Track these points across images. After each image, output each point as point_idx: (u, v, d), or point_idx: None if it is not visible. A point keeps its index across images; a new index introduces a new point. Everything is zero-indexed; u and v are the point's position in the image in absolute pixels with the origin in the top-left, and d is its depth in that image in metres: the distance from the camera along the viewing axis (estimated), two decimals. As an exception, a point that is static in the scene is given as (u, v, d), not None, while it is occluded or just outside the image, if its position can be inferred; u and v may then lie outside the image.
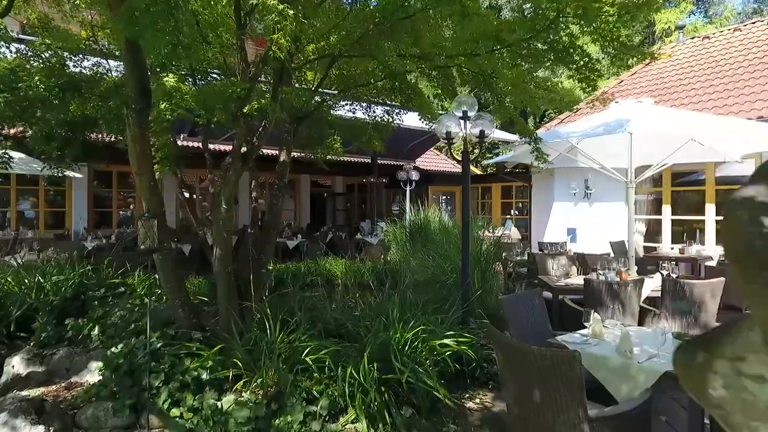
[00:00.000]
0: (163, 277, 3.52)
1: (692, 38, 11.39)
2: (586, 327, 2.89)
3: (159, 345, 3.15)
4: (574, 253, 6.54)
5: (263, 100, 2.97)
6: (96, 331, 3.64)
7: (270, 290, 8.72)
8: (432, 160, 19.06)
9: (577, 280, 4.78)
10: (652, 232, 9.40)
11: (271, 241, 4.07)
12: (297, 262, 9.87)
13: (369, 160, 15.66)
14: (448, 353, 3.37)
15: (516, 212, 15.07)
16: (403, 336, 3.42)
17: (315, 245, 10.71)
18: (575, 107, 10.87)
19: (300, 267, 9.66)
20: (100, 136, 10.66)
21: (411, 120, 11.37)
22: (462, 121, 4.27)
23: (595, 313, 2.84)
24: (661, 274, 4.69)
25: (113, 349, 3.10)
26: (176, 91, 3.34)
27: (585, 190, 9.60)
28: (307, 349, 3.17)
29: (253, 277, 3.85)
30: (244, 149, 3.79)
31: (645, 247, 8.97)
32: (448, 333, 3.54)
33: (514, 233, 12.92)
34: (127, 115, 3.22)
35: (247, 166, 3.50)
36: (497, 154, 33.02)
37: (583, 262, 5.71)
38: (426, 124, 5.87)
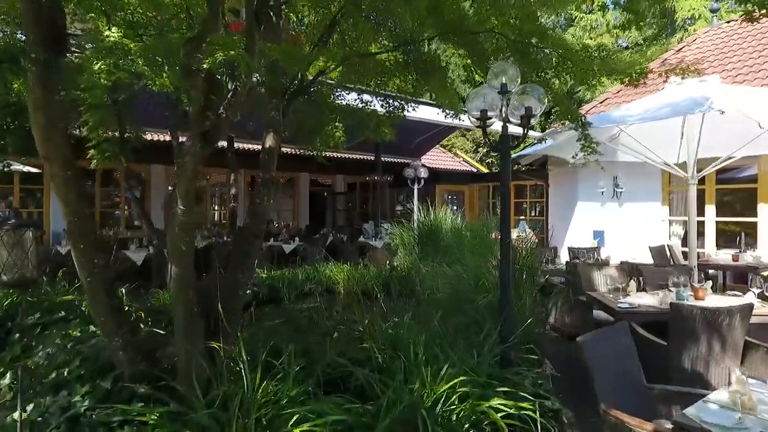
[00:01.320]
0: (93, 308, 2.53)
1: (728, 22, 10.38)
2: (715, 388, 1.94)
3: (84, 407, 2.18)
4: (621, 262, 5.54)
5: (232, 51, 2.00)
6: (7, 379, 2.67)
7: (259, 302, 7.74)
8: (438, 158, 18.07)
9: (643, 299, 3.80)
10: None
11: (252, 253, 3.08)
12: (294, 267, 8.89)
13: (372, 157, 14.68)
14: (500, 415, 2.37)
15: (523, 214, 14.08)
16: (434, 391, 2.45)
17: (314, 249, 9.72)
18: (613, 89, 9.86)
19: (297, 274, 8.67)
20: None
21: (419, 112, 10.37)
22: (501, 97, 3.28)
23: (738, 371, 1.87)
24: (753, 292, 3.72)
25: (13, 416, 2.14)
26: (119, 49, 2.37)
27: (614, 188, 8.61)
28: (297, 416, 2.19)
29: (225, 304, 2.87)
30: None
31: (684, 253, 7.96)
32: (498, 387, 2.55)
33: (529, 235, 11.93)
34: (27, 69, 2.25)
35: (210, 150, 2.51)
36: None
37: (633, 273, 4.73)
38: (445, 116, 4.89)
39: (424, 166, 11.57)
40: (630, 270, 4.87)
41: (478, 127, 3.58)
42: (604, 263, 5.49)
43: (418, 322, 4.51)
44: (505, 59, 3.72)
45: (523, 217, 13.02)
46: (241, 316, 3.27)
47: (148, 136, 11.85)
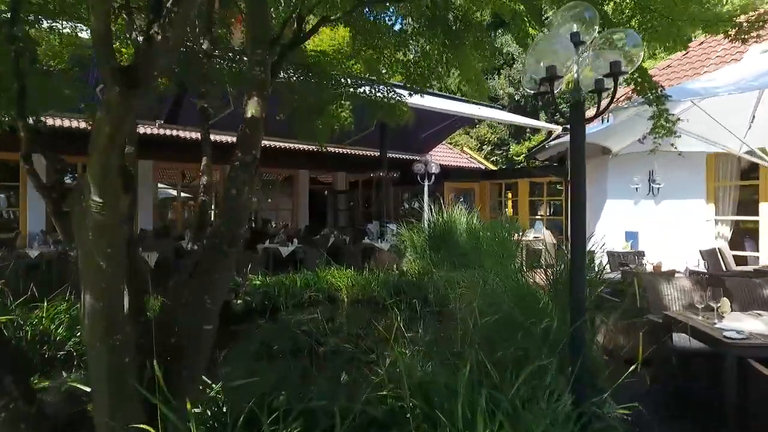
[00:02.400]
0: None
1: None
2: None
3: None
4: (690, 272, 4.62)
5: None
6: None
7: (252, 313, 6.83)
8: (444, 155, 17.15)
9: (746, 322, 2.90)
10: (737, 237, 7.49)
11: (223, 268, 2.13)
12: (292, 273, 7.98)
13: (375, 153, 13.77)
14: None
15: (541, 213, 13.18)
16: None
17: (314, 252, 8.80)
18: (660, 65, 8.91)
19: (295, 280, 7.76)
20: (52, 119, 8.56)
21: (429, 101, 9.43)
22: (574, 49, 2.37)
23: None
24: None
25: None
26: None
27: (650, 183, 7.70)
28: None
29: (184, 342, 1.96)
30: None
31: (734, 258, 7.05)
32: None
33: (547, 236, 11.04)
34: None
35: (140, 98, 1.58)
36: (508, 150, 31.16)
37: (713, 285, 3.81)
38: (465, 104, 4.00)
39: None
40: (709, 281, 3.97)
41: (538, 94, 2.66)
42: (669, 273, 4.58)
43: (447, 348, 3.61)
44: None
45: (539, 217, 12.11)
46: (210, 356, 2.34)
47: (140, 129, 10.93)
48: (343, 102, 4.05)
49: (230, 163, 2.23)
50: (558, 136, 8.33)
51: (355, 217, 16.11)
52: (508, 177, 13.06)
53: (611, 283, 4.62)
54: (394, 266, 9.16)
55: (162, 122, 10.24)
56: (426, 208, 9.02)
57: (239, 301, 6.48)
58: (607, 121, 5.99)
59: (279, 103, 4.68)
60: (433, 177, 9.33)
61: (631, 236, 7.80)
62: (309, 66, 3.68)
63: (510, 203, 13.21)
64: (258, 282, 7.05)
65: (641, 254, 6.40)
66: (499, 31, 31.63)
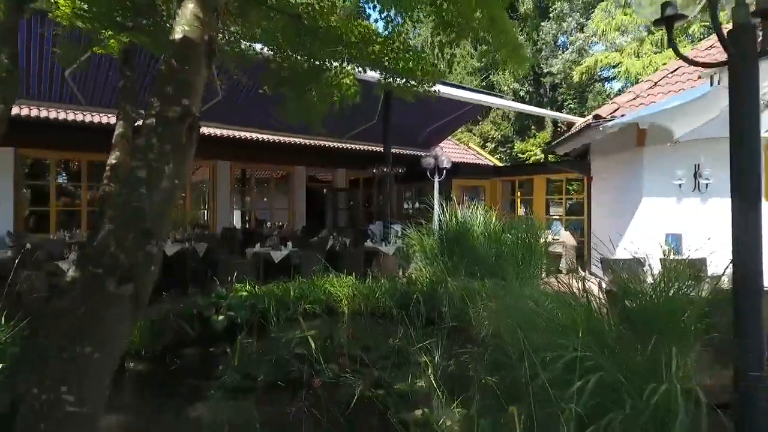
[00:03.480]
0: None
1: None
2: None
3: None
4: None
5: None
6: None
7: (235, 330, 5.82)
8: (450, 151, 16.14)
9: None
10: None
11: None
12: (285, 281, 7.00)
13: (377, 148, 12.78)
14: None
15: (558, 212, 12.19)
16: None
17: (310, 257, 7.82)
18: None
19: (288, 289, 6.78)
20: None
21: (441, 89, 8.44)
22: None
23: None
24: None
25: None
26: None
27: (697, 178, 6.72)
28: None
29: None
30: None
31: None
32: None
33: (567, 238, 10.05)
34: None
35: None
36: (512, 147, 30.17)
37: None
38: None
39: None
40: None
41: (662, 18, 1.67)
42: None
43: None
44: None
45: (556, 216, 11.13)
46: None
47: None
48: (345, 66, 3.04)
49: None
50: (585, 127, 7.35)
51: (356, 217, 15.13)
52: (521, 173, 12.08)
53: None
54: (400, 272, 8.19)
55: (142, 112, 9.19)
56: (436, 207, 8.03)
57: (221, 317, 5.49)
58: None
59: (263, 75, 3.71)
60: (444, 172, 8.34)
61: (674, 239, 6.81)
62: (299, 16, 2.71)
63: (520, 202, 12.23)
64: (245, 293, 6.06)
65: (702, 262, 5.42)
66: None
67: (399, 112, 11.55)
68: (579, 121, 10.32)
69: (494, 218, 7.26)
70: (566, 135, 8.60)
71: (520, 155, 27.78)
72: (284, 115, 4.30)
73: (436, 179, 8.27)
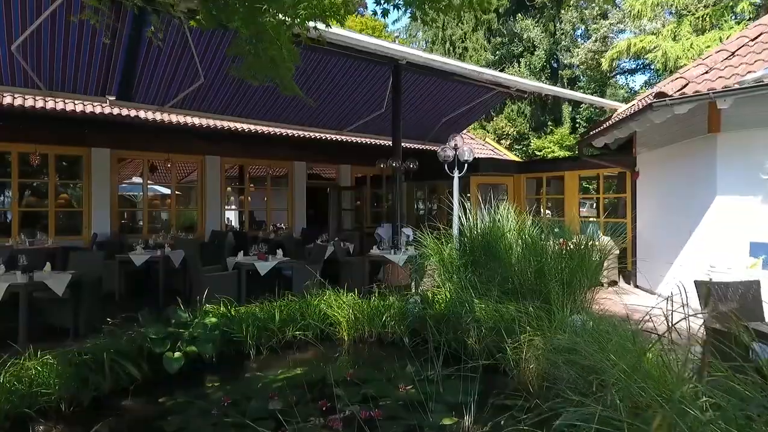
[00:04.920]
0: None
1: None
2: None
3: None
4: None
5: None
6: None
7: (195, 368, 4.41)
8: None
9: None
10: None
11: None
12: (271, 299, 5.66)
13: (385, 142, 11.45)
14: None
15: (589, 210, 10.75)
16: None
17: (305, 269, 6.47)
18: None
19: (273, 310, 5.44)
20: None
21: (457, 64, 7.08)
22: None
23: None
24: None
25: None
26: None
27: (793, 172, 5.27)
28: None
29: None
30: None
31: None
32: None
33: (608, 245, 8.57)
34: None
35: None
36: (528, 144, 28.63)
37: None
38: None
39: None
40: None
41: None
42: None
43: None
44: None
45: (592, 219, 9.67)
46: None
47: (87, 107, 8.69)
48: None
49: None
50: (644, 108, 5.92)
51: (362, 219, 13.76)
52: (550, 169, 10.61)
53: None
54: (412, 287, 6.81)
55: (114, 98, 7.93)
56: (456, 208, 6.64)
57: (176, 355, 4.15)
58: None
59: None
60: (466, 166, 6.94)
61: (762, 249, 5.36)
62: None
63: (546, 201, 10.77)
64: (214, 319, 4.71)
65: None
66: (519, 15, 29.17)
67: (408, 102, 10.19)
68: (621, 108, 8.85)
69: (529, 222, 5.84)
70: (615, 121, 7.15)
71: (537, 152, 26.25)
72: (244, 70, 2.98)
73: (456, 175, 6.87)
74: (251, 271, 6.19)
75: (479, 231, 5.88)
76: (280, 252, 6.69)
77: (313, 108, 9.86)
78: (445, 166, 6.85)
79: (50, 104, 8.09)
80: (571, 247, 5.30)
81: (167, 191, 13.02)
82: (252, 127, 9.79)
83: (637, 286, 8.22)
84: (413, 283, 6.63)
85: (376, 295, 5.97)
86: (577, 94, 9.36)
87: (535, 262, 5.10)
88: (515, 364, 4.26)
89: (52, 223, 9.04)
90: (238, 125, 9.67)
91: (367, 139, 11.77)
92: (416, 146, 12.58)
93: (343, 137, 11.19)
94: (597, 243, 8.78)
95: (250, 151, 11.02)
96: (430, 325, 5.16)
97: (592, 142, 8.58)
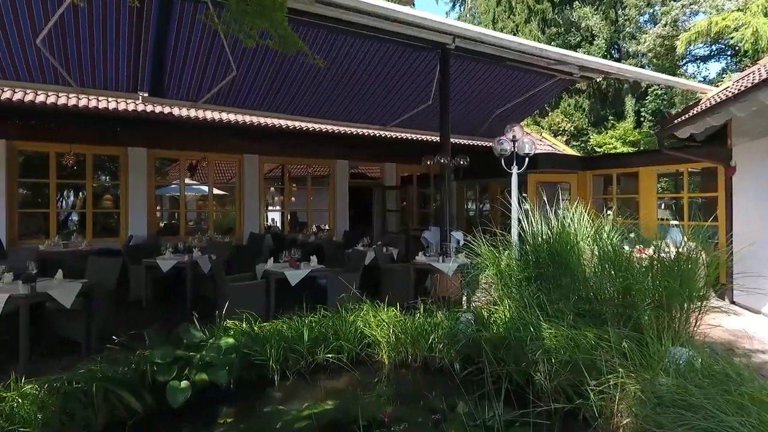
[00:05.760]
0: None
1: None
2: None
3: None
4: None
5: None
6: None
7: (206, 396, 3.67)
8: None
9: None
10: None
11: None
12: (300, 314, 4.95)
13: (434, 138, 10.59)
14: None
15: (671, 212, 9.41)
16: None
17: (342, 278, 5.74)
18: None
19: (302, 327, 4.74)
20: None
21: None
22: None
23: None
24: None
25: None
26: None
27: None
28: None
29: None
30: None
31: None
32: None
33: (706, 255, 7.28)
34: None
35: None
36: (587, 141, 26.77)
37: None
38: None
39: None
40: None
41: None
42: None
43: None
44: None
45: (675, 222, 8.38)
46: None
47: (120, 105, 8.41)
48: None
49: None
50: (760, 83, 4.73)
51: (408, 221, 12.94)
52: (621, 164, 9.34)
53: None
54: (463, 301, 5.92)
55: (146, 95, 7.55)
56: (515, 210, 5.69)
57: (183, 384, 3.50)
58: None
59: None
60: (527, 161, 5.96)
61: None
62: None
63: (616, 201, 9.52)
64: (230, 339, 4.04)
65: None
66: (576, 3, 27.33)
67: (457, 94, 9.27)
68: (711, 91, 7.53)
69: (610, 227, 4.82)
70: (713, 104, 5.94)
71: (597, 149, 24.42)
72: (230, 23, 2.27)
73: (515, 171, 5.91)
74: (280, 281, 5.52)
75: (544, 237, 4.91)
76: (314, 259, 5.99)
77: (354, 102, 9.17)
78: (502, 161, 5.91)
79: (83, 102, 7.82)
80: (659, 256, 4.23)
81: (221, 192, 12.76)
82: (290, 123, 9.22)
83: (734, 303, 6.93)
84: (464, 297, 5.74)
85: (422, 310, 5.14)
86: (662, 76, 8.05)
87: (620, 278, 4.08)
88: (599, 412, 3.31)
89: (90, 225, 8.83)
90: (276, 121, 9.12)
91: (413, 135, 10.95)
92: (465, 142, 11.63)
93: (387, 133, 10.42)
94: (682, 248, 7.48)
95: (290, 149, 10.48)
96: (486, 351, 4.27)
97: (675, 133, 7.33)
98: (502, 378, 4.06)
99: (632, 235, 5.54)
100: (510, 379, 3.98)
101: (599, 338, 3.77)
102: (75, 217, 11.61)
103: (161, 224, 12.63)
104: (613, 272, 4.37)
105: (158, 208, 13.30)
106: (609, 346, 3.65)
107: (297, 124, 9.40)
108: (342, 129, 10.07)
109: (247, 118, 9.14)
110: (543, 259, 4.69)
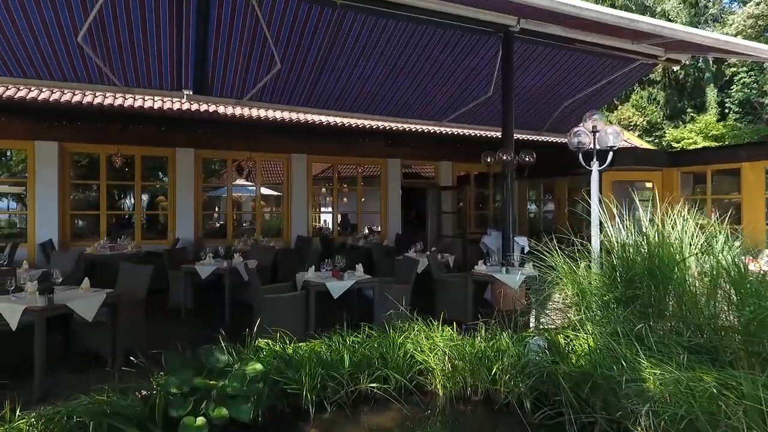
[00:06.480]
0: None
1: None
2: None
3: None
4: None
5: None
6: None
7: None
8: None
9: None
10: None
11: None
12: (341, 332, 4.32)
13: (494, 133, 9.72)
14: None
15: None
16: None
17: (389, 291, 5.08)
18: None
19: (342, 349, 4.12)
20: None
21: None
22: None
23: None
24: None
25: None
26: None
27: None
28: None
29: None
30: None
31: None
32: None
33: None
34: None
35: None
36: (662, 136, 24.53)
37: None
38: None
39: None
40: None
41: None
42: None
43: None
44: None
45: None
46: None
47: (165, 104, 8.22)
48: None
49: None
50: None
51: (465, 223, 12.06)
52: (718, 159, 8.00)
53: None
54: (531, 321, 5.06)
55: (190, 93, 7.25)
56: (595, 213, 4.77)
57: (199, 420, 2.95)
58: None
59: None
60: (610, 156, 5.02)
61: None
62: None
63: (711, 204, 8.19)
64: (258, 366, 3.47)
65: None
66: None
67: (519, 84, 8.35)
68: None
69: (723, 237, 3.82)
70: None
71: (674, 144, 22.23)
72: None
73: (595, 168, 4.98)
74: (319, 292, 4.92)
75: (637, 249, 3.98)
76: (360, 268, 5.36)
77: (406, 96, 8.48)
78: (579, 156, 5.00)
79: (129, 101, 7.66)
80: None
81: (269, 192, 12.51)
82: (338, 119, 8.67)
83: None
84: (532, 317, 4.89)
85: (483, 331, 4.37)
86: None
87: (752, 304, 3.11)
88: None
89: (138, 227, 8.73)
90: (323, 118, 8.61)
91: (471, 131, 10.11)
92: (528, 137, 10.63)
93: (442, 129, 9.66)
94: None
95: (338, 147, 9.95)
96: (565, 389, 3.46)
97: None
98: (588, 428, 3.23)
99: (737, 243, 4.47)
100: (599, 430, 3.14)
101: (722, 385, 2.85)
102: (133, 219, 11.76)
103: (217, 225, 12.57)
104: (733, 295, 3.40)
105: (216, 209, 13.29)
106: (738, 397, 2.74)
107: (345, 120, 8.85)
108: (393, 125, 9.42)
109: (294, 115, 8.70)
110: (636, 275, 3.77)
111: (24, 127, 7.87)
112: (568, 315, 4.28)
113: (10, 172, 11.17)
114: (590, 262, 4.40)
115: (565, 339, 4.08)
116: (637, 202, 4.50)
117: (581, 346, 3.86)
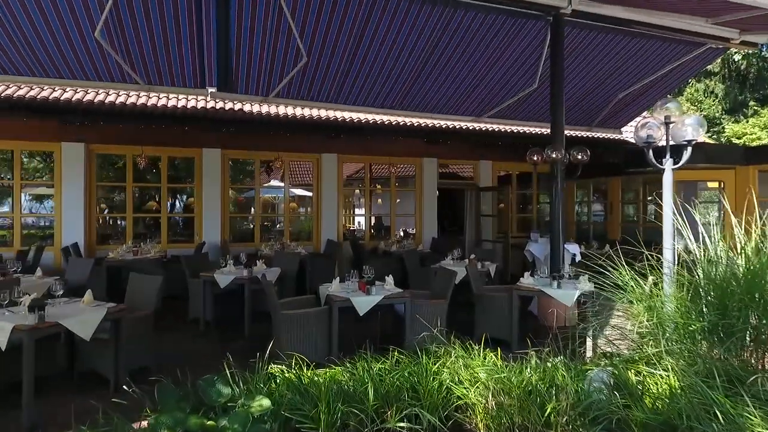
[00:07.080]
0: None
1: None
2: None
3: None
4: None
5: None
6: None
7: None
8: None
9: None
10: None
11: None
12: (365, 357, 3.75)
13: (540, 130, 8.96)
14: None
15: None
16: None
17: (422, 308, 4.48)
18: None
19: (366, 380, 3.54)
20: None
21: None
22: None
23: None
24: None
25: None
26: None
27: None
28: None
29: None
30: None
31: None
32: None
33: None
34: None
35: None
36: (721, 132, 22.71)
37: None
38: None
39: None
40: None
41: None
42: None
43: None
44: None
45: None
46: None
47: (189, 102, 7.92)
48: None
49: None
50: None
51: (506, 227, 11.27)
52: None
53: None
54: (588, 347, 4.32)
55: (214, 90, 6.88)
56: (668, 220, 4.01)
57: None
58: None
59: None
60: (688, 152, 4.22)
61: None
62: None
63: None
64: (266, 402, 2.95)
65: None
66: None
67: (569, 74, 7.56)
68: None
69: None
70: None
71: (735, 141, 20.54)
72: None
73: (669, 166, 4.20)
74: (344, 310, 4.37)
75: (728, 266, 3.21)
76: (390, 280, 4.78)
77: (442, 90, 7.84)
78: (650, 152, 4.23)
79: (153, 101, 7.38)
80: None
81: (304, 193, 12.11)
82: (369, 116, 8.13)
83: None
84: (589, 342, 4.16)
85: (533, 360, 3.69)
86: None
87: None
88: None
89: (164, 230, 8.47)
90: (353, 115, 8.09)
91: (514, 127, 9.35)
92: (577, 134, 9.76)
93: (481, 125, 8.95)
94: None
95: (371, 146, 9.41)
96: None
97: None
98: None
99: None
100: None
101: None
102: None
103: (250, 227, 12.28)
104: None
105: (251, 211, 13.03)
106: None
107: (378, 117, 8.30)
108: (429, 122, 8.78)
109: (323, 113, 8.22)
110: (735, 300, 3.01)
111: (51, 128, 7.74)
112: (637, 343, 3.54)
113: (37, 173, 11.19)
114: (660, 279, 3.65)
115: (635, 374, 3.35)
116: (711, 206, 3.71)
117: (659, 384, 3.13)
